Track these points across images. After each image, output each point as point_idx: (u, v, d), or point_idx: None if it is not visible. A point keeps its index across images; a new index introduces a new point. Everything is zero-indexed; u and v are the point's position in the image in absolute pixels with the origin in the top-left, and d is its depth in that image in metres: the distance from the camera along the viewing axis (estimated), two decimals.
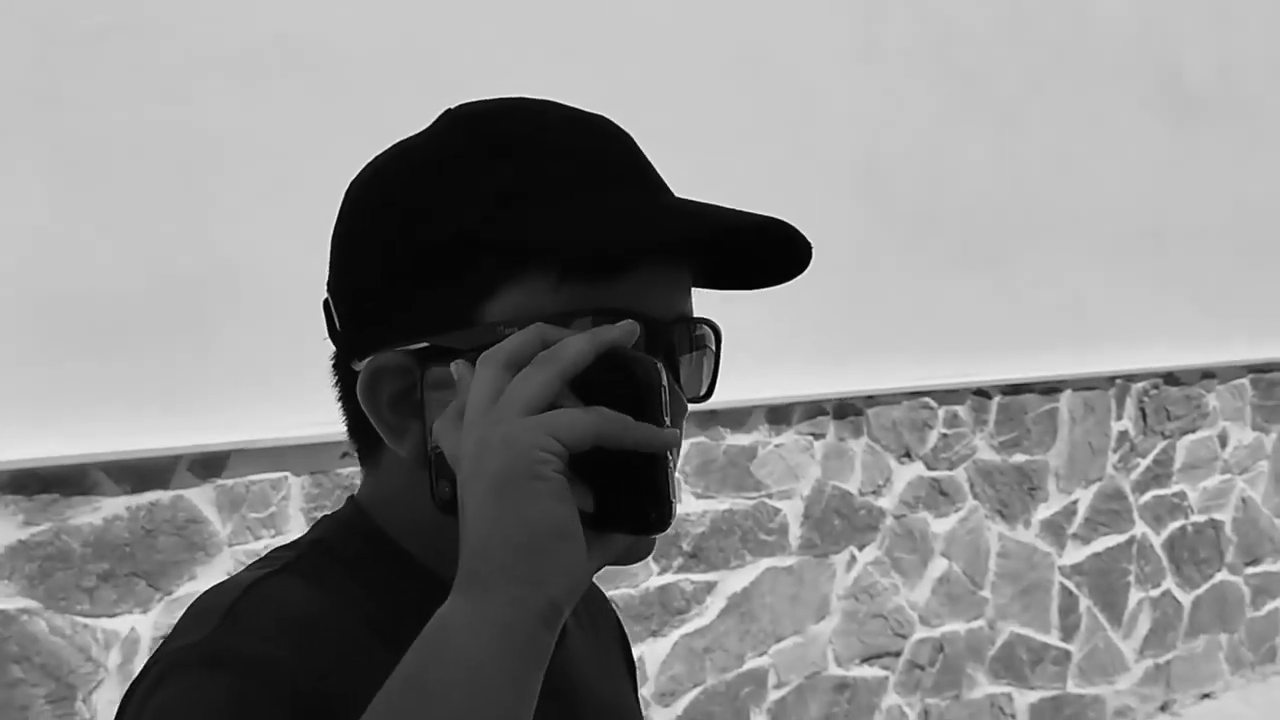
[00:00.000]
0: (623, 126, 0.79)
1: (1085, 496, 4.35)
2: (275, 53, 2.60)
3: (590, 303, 0.71)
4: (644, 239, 0.73)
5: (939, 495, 3.89)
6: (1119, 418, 4.45)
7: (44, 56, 2.37)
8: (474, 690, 0.60)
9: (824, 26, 3.57)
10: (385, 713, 0.60)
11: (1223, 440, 4.87)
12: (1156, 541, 4.62)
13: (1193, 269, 4.57)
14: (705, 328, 0.79)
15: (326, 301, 0.80)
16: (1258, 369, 4.96)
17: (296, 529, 2.59)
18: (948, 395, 3.89)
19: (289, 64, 2.61)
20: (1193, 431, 4.74)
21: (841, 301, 3.54)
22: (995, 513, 4.06)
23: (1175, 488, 4.68)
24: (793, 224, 0.74)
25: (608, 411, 0.64)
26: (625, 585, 3.17)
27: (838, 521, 3.64)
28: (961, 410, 3.94)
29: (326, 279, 0.81)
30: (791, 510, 3.53)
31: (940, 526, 3.90)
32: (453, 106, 0.79)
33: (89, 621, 2.41)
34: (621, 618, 1.08)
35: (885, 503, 3.75)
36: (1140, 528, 4.56)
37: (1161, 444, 4.62)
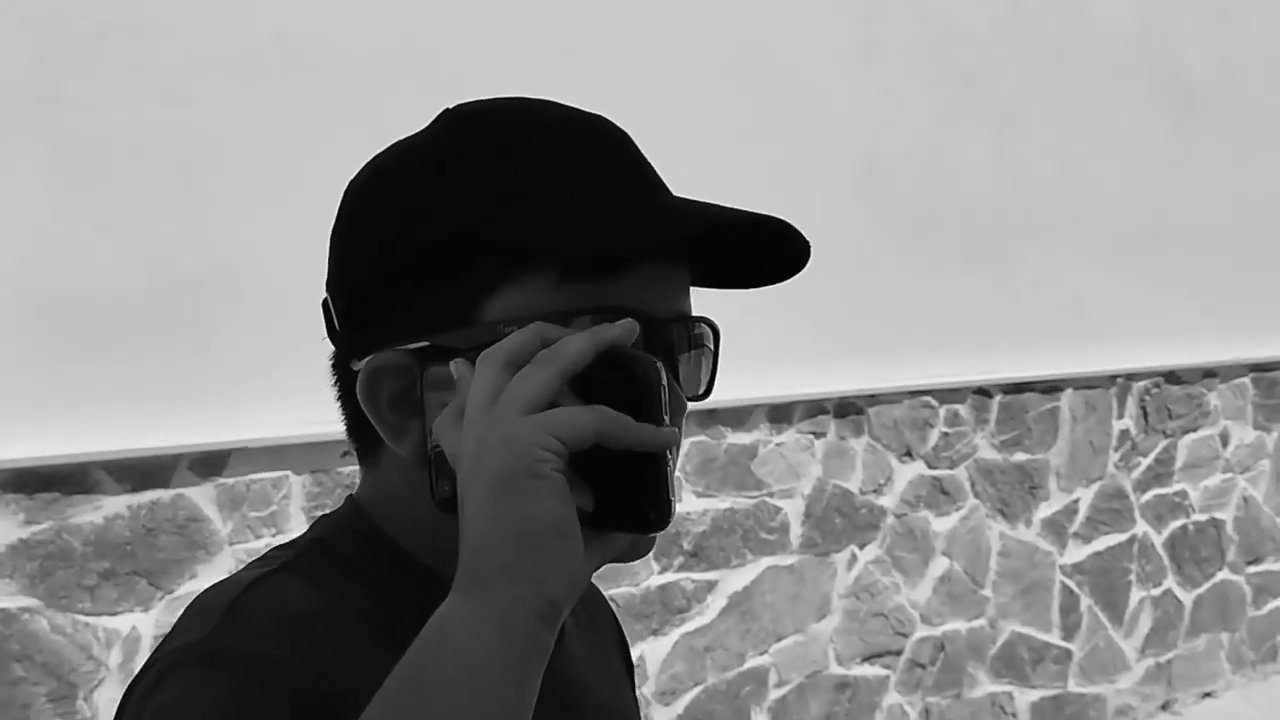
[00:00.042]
0: (623, 126, 0.79)
1: (1086, 495, 4.35)
2: (275, 53, 2.60)
3: (590, 301, 0.71)
4: (644, 238, 0.73)
5: (940, 494, 3.89)
6: (1120, 417, 4.45)
7: (44, 56, 2.37)
8: (474, 689, 0.60)
9: (824, 26, 3.57)
10: (385, 711, 0.60)
11: (1224, 439, 4.87)
12: (1158, 540, 4.62)
13: (1193, 268, 4.57)
14: (704, 326, 0.79)
15: (325, 301, 0.80)
16: (1259, 368, 4.96)
17: (297, 528, 2.59)
18: (949, 394, 3.89)
19: (289, 64, 2.61)
20: (1194, 430, 4.74)
21: (842, 301, 3.54)
22: (996, 512, 4.06)
23: (1176, 487, 4.68)
24: (790, 222, 0.74)
25: (607, 410, 0.64)
26: (626, 584, 3.17)
27: (839, 520, 3.64)
28: (962, 409, 3.94)
29: (326, 278, 0.81)
30: (792, 509, 3.54)
31: (941, 525, 3.90)
32: (452, 106, 0.79)
33: (90, 620, 2.41)
34: (622, 616, 1.08)
35: (886, 502, 3.76)
36: (1141, 527, 4.55)
37: (1163, 443, 4.62)
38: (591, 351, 0.65)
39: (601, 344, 0.66)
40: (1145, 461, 4.56)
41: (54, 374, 2.36)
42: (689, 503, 3.29)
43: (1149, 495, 4.58)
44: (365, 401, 0.75)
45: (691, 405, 0.79)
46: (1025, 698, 4.17)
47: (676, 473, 0.69)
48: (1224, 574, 4.87)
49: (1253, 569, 4.99)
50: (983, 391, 3.99)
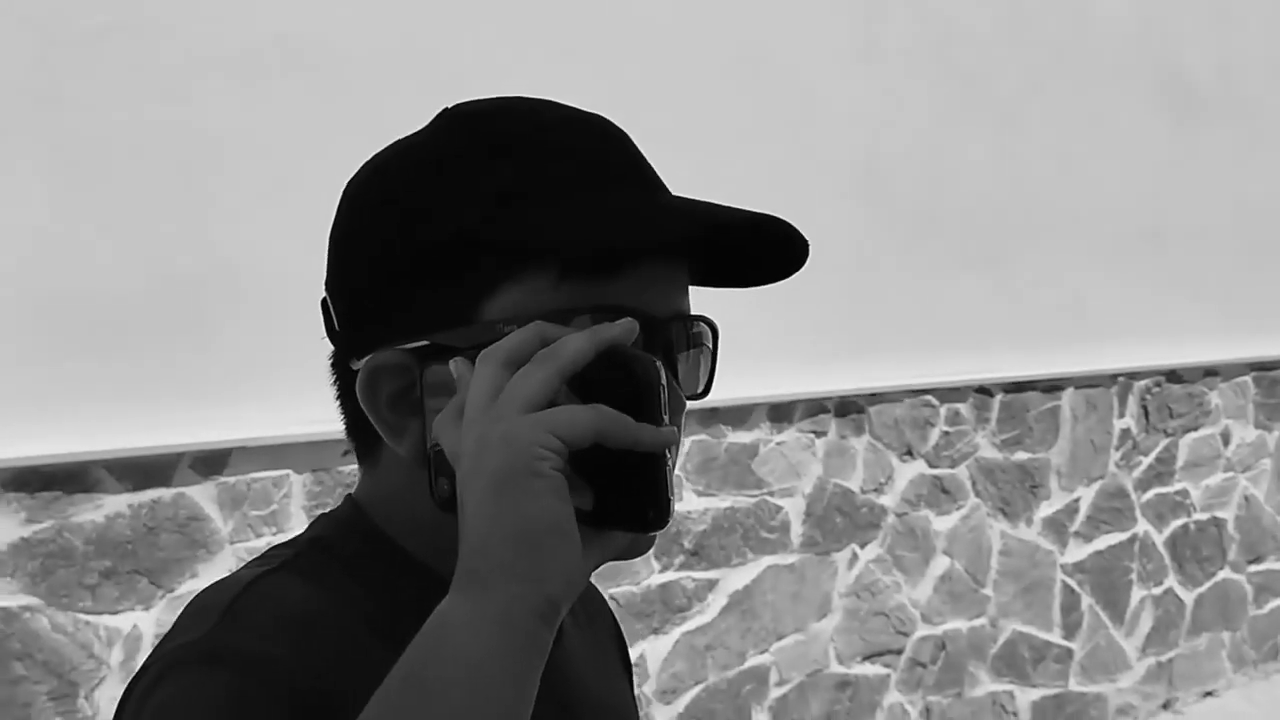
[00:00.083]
0: (622, 126, 0.80)
1: (1087, 494, 4.35)
2: (275, 53, 2.60)
3: (590, 301, 0.71)
4: (644, 238, 0.74)
5: (941, 493, 3.89)
6: (1121, 415, 4.45)
7: (44, 56, 2.37)
8: (473, 687, 0.60)
9: (824, 26, 3.57)
10: (384, 710, 0.61)
11: (1225, 438, 4.86)
12: (1159, 539, 4.62)
13: (1193, 268, 4.57)
14: (703, 325, 0.79)
15: (325, 300, 0.80)
16: (1260, 366, 4.96)
17: (298, 527, 2.59)
18: (949, 393, 3.89)
19: (289, 64, 2.61)
20: (1195, 429, 4.74)
21: (842, 301, 3.54)
22: (997, 511, 4.06)
23: (1178, 485, 4.68)
24: (789, 221, 0.74)
25: (607, 409, 0.64)
26: (627, 583, 3.17)
27: (839, 519, 3.64)
28: (963, 408, 3.94)
29: (325, 278, 0.81)
30: (793, 508, 3.54)
31: (942, 524, 3.90)
32: (452, 106, 0.79)
33: (91, 619, 2.41)
34: (623, 615, 1.09)
35: (887, 500, 3.76)
36: (1142, 526, 4.55)
37: (1164, 442, 4.62)
38: (591, 350, 0.65)
39: (601, 343, 0.66)
40: (1146, 460, 4.56)
41: (55, 374, 2.37)
42: (690, 501, 3.29)
43: (1150, 494, 4.58)
44: (365, 401, 0.75)
45: (691, 404, 0.79)
46: (1026, 697, 4.17)
47: (676, 471, 0.69)
48: (1225, 573, 4.87)
49: (1254, 568, 4.99)
50: (984, 390, 3.99)
